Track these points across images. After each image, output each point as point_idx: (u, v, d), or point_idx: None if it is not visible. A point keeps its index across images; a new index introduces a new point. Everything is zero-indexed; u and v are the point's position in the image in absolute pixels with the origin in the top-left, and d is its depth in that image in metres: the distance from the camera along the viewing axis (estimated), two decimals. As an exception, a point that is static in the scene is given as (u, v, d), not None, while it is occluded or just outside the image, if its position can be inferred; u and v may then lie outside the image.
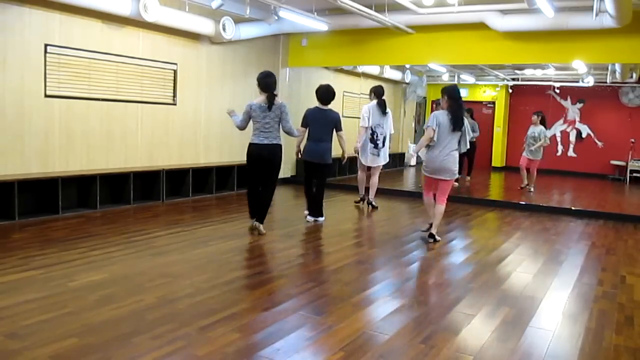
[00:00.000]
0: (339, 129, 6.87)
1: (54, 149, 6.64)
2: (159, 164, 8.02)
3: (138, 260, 4.68)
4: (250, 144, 5.78)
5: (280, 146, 5.84)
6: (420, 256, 5.45)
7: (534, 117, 10.37)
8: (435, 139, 5.67)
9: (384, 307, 3.81)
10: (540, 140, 10.12)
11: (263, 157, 5.73)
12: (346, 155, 7.25)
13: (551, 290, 4.36)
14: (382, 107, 7.75)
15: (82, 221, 6.21)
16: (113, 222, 6.26)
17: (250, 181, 5.96)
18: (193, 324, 3.27)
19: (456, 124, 5.68)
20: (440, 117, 5.71)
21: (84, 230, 5.74)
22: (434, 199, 5.95)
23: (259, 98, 5.74)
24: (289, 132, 5.89)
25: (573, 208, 8.49)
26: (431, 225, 6.01)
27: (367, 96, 8.39)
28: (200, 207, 7.54)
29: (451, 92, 5.77)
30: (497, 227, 7.38)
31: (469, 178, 11.79)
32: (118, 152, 7.43)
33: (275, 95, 5.75)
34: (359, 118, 12.85)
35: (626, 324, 3.64)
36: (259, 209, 5.89)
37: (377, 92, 7.82)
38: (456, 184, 10.70)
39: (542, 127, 10.20)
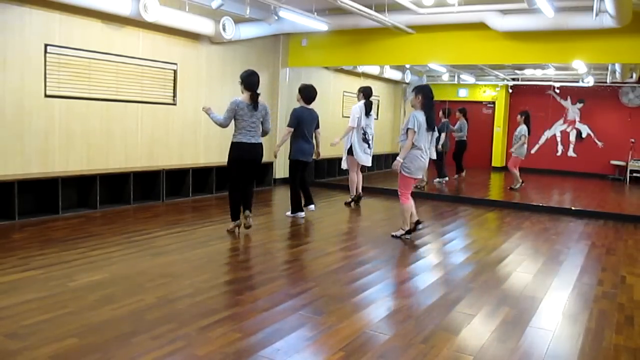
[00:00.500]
0: (318, 127, 7.04)
1: (54, 149, 6.64)
2: (159, 164, 8.02)
3: (138, 260, 4.68)
4: (240, 143, 5.67)
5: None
6: (420, 256, 5.45)
7: (518, 117, 10.57)
8: (415, 140, 5.69)
9: (384, 307, 3.81)
10: (519, 139, 10.30)
11: (253, 155, 5.77)
12: (320, 152, 7.23)
13: (551, 290, 4.36)
14: (368, 108, 7.85)
15: (82, 221, 6.21)
16: (113, 222, 6.26)
17: (237, 181, 5.83)
18: (193, 324, 3.27)
19: (431, 123, 5.77)
20: (420, 118, 5.70)
21: (84, 230, 5.73)
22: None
23: (243, 97, 5.67)
24: (267, 133, 5.94)
25: (573, 208, 8.49)
26: (417, 222, 6.05)
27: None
28: (200, 207, 7.54)
29: (427, 92, 5.79)
30: (497, 227, 7.38)
31: (463, 174, 11.85)
32: (118, 152, 7.43)
33: (259, 95, 5.72)
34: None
35: (626, 324, 3.64)
36: (248, 201, 5.90)
37: (366, 93, 7.89)
38: (443, 182, 10.88)
39: (522, 126, 10.31)
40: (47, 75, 6.47)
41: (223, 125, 5.69)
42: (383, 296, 4.06)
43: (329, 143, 7.97)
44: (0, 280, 3.97)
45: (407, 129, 5.71)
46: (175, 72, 8.16)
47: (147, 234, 5.71)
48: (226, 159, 5.84)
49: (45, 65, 6.43)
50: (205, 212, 7.27)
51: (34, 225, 5.85)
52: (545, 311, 3.85)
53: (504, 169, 15.24)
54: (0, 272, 4.16)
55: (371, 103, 7.97)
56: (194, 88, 8.56)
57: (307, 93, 6.87)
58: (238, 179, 5.82)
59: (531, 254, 5.66)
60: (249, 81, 5.65)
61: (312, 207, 7.22)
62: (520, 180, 10.54)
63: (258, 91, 5.70)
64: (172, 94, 8.18)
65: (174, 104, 8.23)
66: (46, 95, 6.49)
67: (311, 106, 6.95)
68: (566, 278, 4.73)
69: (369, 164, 8.10)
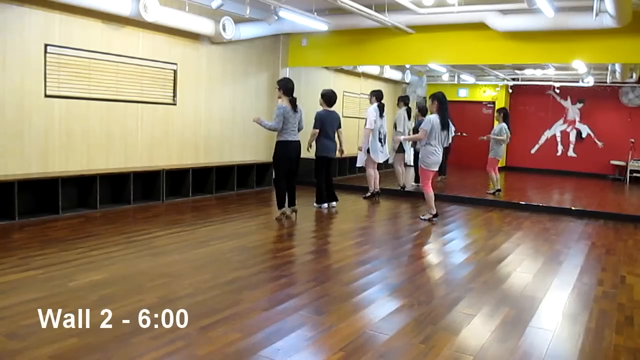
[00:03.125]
0: (340, 127, 7.83)
1: (54, 149, 6.64)
2: (159, 164, 8.02)
3: (138, 260, 4.68)
4: (287, 142, 6.58)
5: None
6: (420, 256, 5.45)
7: (496, 114, 9.96)
8: (429, 138, 6.72)
9: (384, 307, 3.81)
10: (500, 136, 9.55)
11: (296, 151, 6.73)
12: (344, 149, 7.98)
13: (551, 290, 4.36)
14: (381, 109, 8.51)
15: (82, 221, 6.21)
16: (113, 222, 6.26)
17: (281, 175, 6.70)
18: (193, 324, 3.27)
19: (445, 125, 6.82)
20: (434, 121, 6.74)
21: (84, 230, 5.74)
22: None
23: (284, 101, 6.52)
24: (301, 129, 6.82)
25: (573, 208, 8.49)
26: (436, 214, 7.12)
27: (366, 96, 8.76)
28: (200, 207, 7.54)
29: (441, 99, 6.85)
30: (497, 227, 7.37)
31: (443, 177, 11.42)
32: (118, 152, 7.43)
33: (296, 99, 6.60)
34: (359, 118, 12.90)
35: (626, 324, 3.64)
36: (292, 196, 6.84)
37: (378, 96, 8.59)
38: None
39: (502, 124, 9.62)
40: (47, 75, 6.47)
41: (277, 128, 6.52)
42: (383, 296, 4.06)
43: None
44: (0, 280, 3.97)
45: (421, 129, 6.76)
46: (175, 72, 8.16)
47: (147, 234, 5.71)
48: (226, 159, 5.93)
49: (45, 65, 6.43)
50: (205, 212, 7.27)
51: (34, 225, 5.85)
52: (545, 311, 3.85)
53: (504, 169, 15.26)
54: (0, 272, 4.16)
55: (384, 105, 8.63)
56: (194, 88, 8.56)
57: (329, 98, 7.61)
58: (284, 173, 6.69)
59: (531, 254, 5.66)
60: (289, 87, 6.57)
61: (326, 205, 7.77)
62: (498, 187, 9.76)
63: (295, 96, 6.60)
64: (172, 94, 8.19)
65: (174, 104, 8.23)
66: (46, 95, 6.49)
67: (332, 108, 7.70)
68: (566, 278, 4.72)
69: (382, 160, 8.75)
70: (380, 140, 8.49)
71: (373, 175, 8.79)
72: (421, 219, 7.18)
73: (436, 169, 6.94)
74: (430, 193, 6.99)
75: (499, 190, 9.80)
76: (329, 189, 7.80)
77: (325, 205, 7.78)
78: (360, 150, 8.62)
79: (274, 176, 6.87)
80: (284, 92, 6.53)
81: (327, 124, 7.51)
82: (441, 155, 6.90)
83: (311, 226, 6.69)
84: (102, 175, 6.93)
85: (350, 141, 12.68)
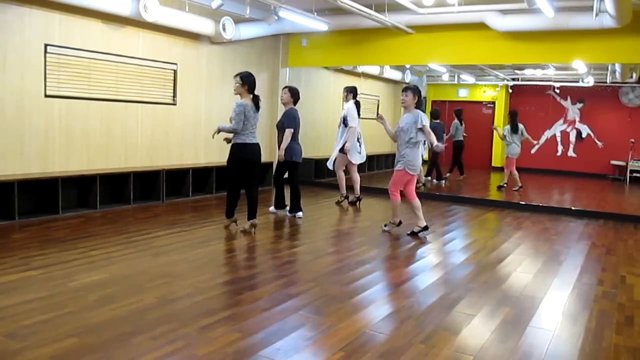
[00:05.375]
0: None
1: (54, 149, 6.64)
2: (159, 164, 8.02)
3: (138, 260, 4.68)
4: (247, 144, 5.72)
5: None
6: (420, 256, 5.45)
7: (509, 118, 10.75)
8: (417, 139, 5.92)
9: (384, 307, 3.81)
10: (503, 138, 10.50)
11: (257, 156, 5.88)
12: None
13: (551, 290, 4.36)
14: (358, 107, 7.95)
15: (82, 221, 6.21)
16: (113, 222, 6.26)
17: (237, 181, 5.89)
18: (193, 324, 3.27)
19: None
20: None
21: (84, 230, 5.73)
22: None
23: (246, 99, 5.71)
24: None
25: (573, 208, 8.49)
26: (400, 222, 6.30)
27: (366, 96, 8.50)
28: (200, 207, 7.54)
29: (420, 92, 6.05)
30: (497, 227, 7.37)
31: (428, 179, 11.26)
32: (118, 152, 7.43)
33: (259, 96, 5.84)
34: (361, 118, 12.89)
35: (626, 324, 3.64)
36: (253, 207, 5.92)
37: (354, 92, 7.97)
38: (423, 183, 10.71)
39: (506, 126, 10.53)
40: (47, 75, 6.47)
41: (238, 129, 5.65)
42: (383, 296, 4.06)
43: (332, 144, 7.99)
44: (0, 280, 3.97)
45: (421, 128, 5.83)
46: (175, 72, 8.16)
47: (147, 234, 5.71)
48: (226, 159, 5.87)
49: (45, 65, 6.43)
50: (205, 212, 7.27)
51: (34, 225, 5.85)
52: (545, 311, 3.85)
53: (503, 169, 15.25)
54: (0, 272, 4.16)
55: (359, 103, 8.05)
56: (194, 88, 8.56)
57: (299, 95, 6.89)
58: (240, 179, 5.86)
59: (531, 254, 5.66)
60: (252, 82, 5.72)
61: (300, 214, 6.97)
62: (519, 184, 10.30)
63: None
64: (172, 94, 8.18)
65: (174, 104, 8.23)
66: (46, 95, 6.49)
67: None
68: (566, 278, 4.73)
69: (362, 161, 8.20)
70: (358, 140, 7.97)
71: (343, 177, 8.12)
72: (383, 229, 6.36)
73: (417, 172, 6.15)
74: (399, 201, 6.14)
75: (506, 184, 10.69)
76: (296, 197, 6.94)
77: (282, 211, 7.09)
78: (347, 150, 7.78)
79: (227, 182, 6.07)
80: (247, 88, 5.69)
81: (298, 125, 6.77)
82: None
83: (310, 227, 6.68)
84: (102, 175, 6.92)
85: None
